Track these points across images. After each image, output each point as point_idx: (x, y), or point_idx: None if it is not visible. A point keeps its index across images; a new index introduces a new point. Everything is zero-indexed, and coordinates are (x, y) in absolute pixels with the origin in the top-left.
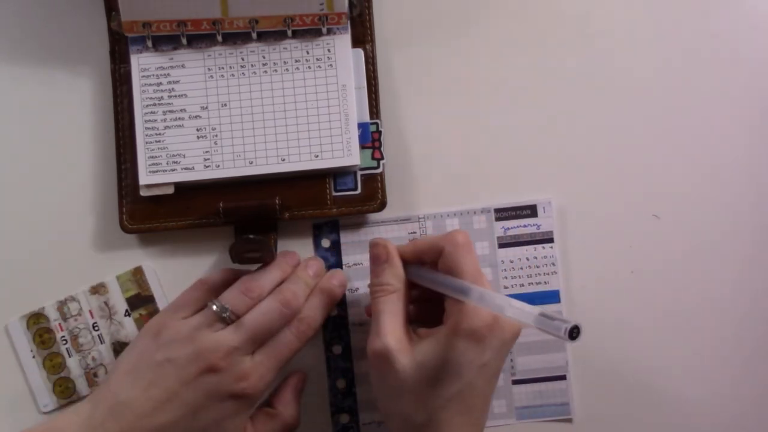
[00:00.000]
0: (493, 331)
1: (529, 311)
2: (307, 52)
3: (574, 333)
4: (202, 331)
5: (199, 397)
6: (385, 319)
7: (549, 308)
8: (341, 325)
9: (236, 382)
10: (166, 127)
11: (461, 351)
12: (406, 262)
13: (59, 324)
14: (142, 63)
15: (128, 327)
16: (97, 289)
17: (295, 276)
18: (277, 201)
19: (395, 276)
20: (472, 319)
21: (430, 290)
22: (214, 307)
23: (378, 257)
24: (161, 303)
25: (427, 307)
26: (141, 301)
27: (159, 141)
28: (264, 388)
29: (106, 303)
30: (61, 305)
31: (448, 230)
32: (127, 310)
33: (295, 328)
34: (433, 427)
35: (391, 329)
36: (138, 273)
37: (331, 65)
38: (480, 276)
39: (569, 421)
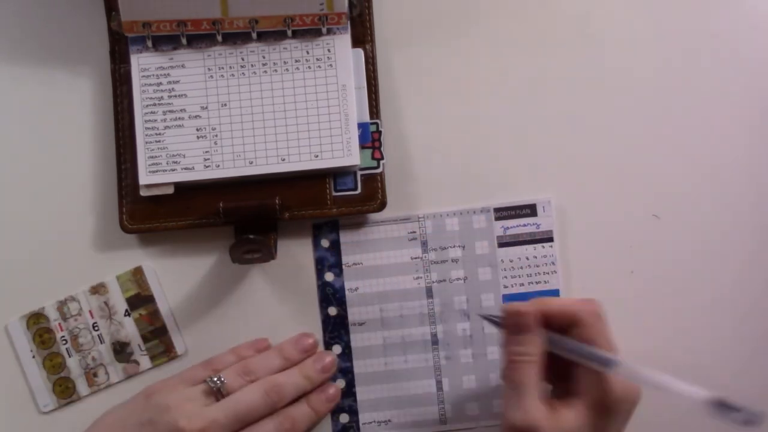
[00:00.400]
0: (626, 402)
1: (697, 396)
2: (307, 52)
3: (755, 420)
4: (191, 401)
5: None
6: (527, 391)
7: None
8: (341, 325)
9: None
10: (166, 127)
11: (599, 424)
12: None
13: (59, 324)
14: (142, 63)
15: (128, 327)
16: (97, 289)
17: (292, 372)
18: (277, 201)
19: (536, 346)
20: (611, 393)
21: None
22: (210, 383)
23: (526, 326)
24: (161, 303)
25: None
26: (141, 301)
27: (159, 141)
28: None
29: (106, 303)
30: (61, 305)
31: (447, 230)
32: (127, 310)
33: (280, 425)
34: None
35: (533, 402)
36: (138, 273)
37: (331, 65)
38: (615, 349)
39: None
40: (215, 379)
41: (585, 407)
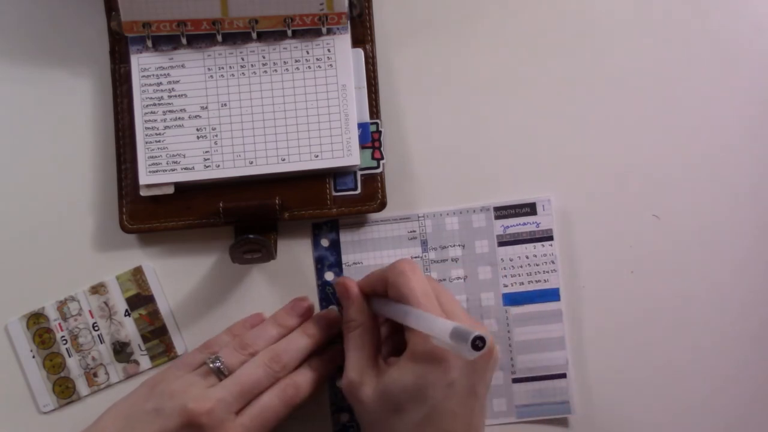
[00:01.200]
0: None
1: (445, 327)
2: (307, 52)
3: (478, 342)
4: (195, 385)
5: None
6: (349, 354)
7: (548, 306)
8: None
9: (217, 429)
10: (166, 127)
11: (421, 374)
12: (370, 296)
13: (59, 324)
14: (142, 63)
15: (128, 327)
16: (97, 289)
17: (292, 335)
18: (277, 201)
19: (357, 311)
20: (425, 341)
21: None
22: (210, 363)
23: (340, 295)
24: (161, 303)
25: (401, 337)
26: (141, 301)
27: (159, 141)
28: None
29: (105, 303)
30: (61, 305)
31: (448, 229)
32: (127, 310)
33: (282, 392)
34: None
35: (353, 364)
36: (138, 273)
37: (331, 65)
38: (428, 297)
39: (570, 419)
40: (213, 359)
41: (405, 359)
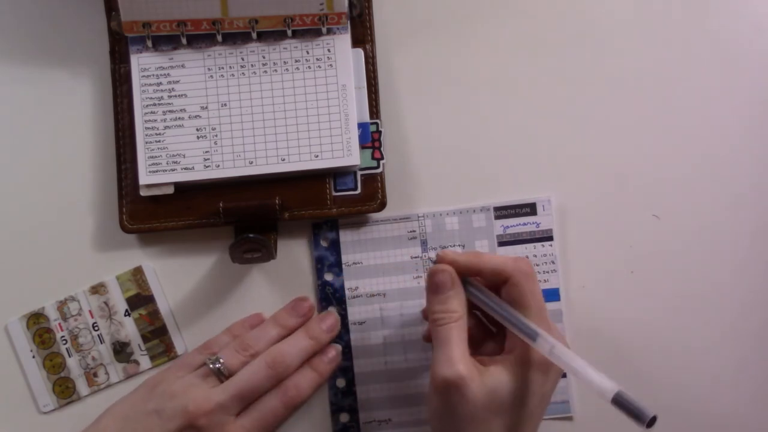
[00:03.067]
0: (555, 364)
1: (606, 388)
2: (307, 52)
3: (651, 423)
4: (195, 386)
5: None
6: (453, 347)
7: (549, 306)
8: (341, 325)
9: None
10: (166, 127)
11: (527, 380)
12: (462, 276)
13: (59, 324)
14: (142, 63)
15: (128, 327)
16: (97, 289)
17: (294, 337)
18: (277, 201)
19: (460, 302)
20: (530, 347)
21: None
22: (210, 365)
23: (443, 285)
24: (161, 302)
25: (471, 323)
26: (141, 301)
27: (159, 141)
28: None
29: (105, 303)
30: (61, 305)
31: (447, 229)
32: (127, 310)
33: (282, 395)
34: None
35: (461, 357)
36: (138, 273)
37: (331, 65)
38: (544, 313)
39: (570, 419)
40: (214, 360)
41: (513, 363)
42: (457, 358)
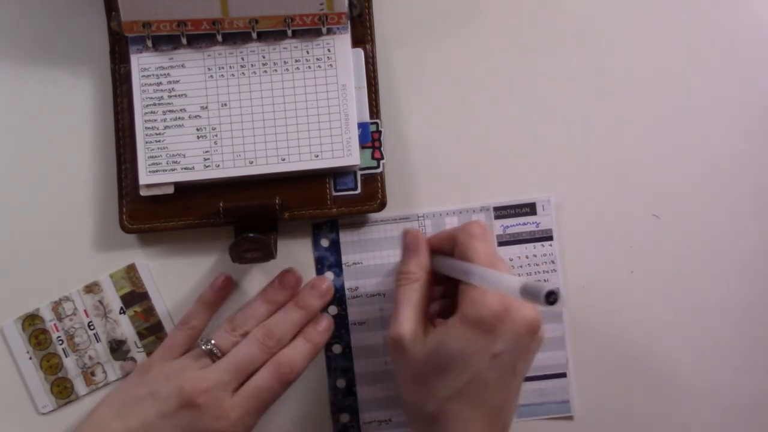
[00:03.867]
0: (503, 322)
1: (513, 284)
2: (307, 52)
3: (551, 298)
4: (188, 367)
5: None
6: (403, 308)
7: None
8: (341, 325)
9: (214, 420)
10: (166, 127)
11: (469, 340)
12: (434, 252)
13: (54, 324)
14: (142, 63)
15: (123, 325)
16: (91, 288)
17: (284, 310)
18: (277, 201)
19: (419, 265)
20: (478, 308)
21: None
22: (202, 345)
23: (407, 246)
24: (155, 299)
25: (450, 303)
26: (135, 298)
27: (159, 141)
28: (240, 428)
29: (100, 301)
30: (56, 305)
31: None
32: (122, 308)
33: (277, 371)
34: (443, 418)
35: (406, 318)
36: (131, 270)
37: (331, 65)
38: (496, 262)
39: (570, 418)
40: (205, 341)
41: (455, 322)
42: (402, 318)
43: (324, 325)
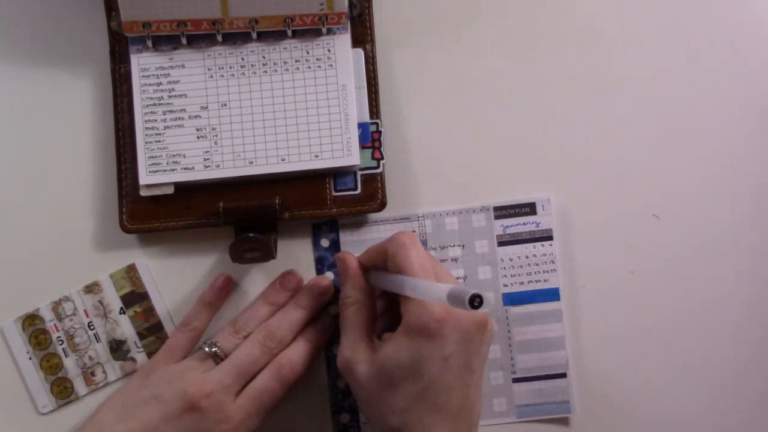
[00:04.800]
0: (447, 324)
1: (440, 290)
2: (307, 52)
3: (476, 302)
4: (192, 369)
5: None
6: (345, 332)
7: (548, 306)
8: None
9: (218, 423)
10: (166, 127)
11: (415, 349)
12: (368, 270)
13: (54, 324)
14: (142, 63)
15: (124, 325)
16: (91, 288)
17: (284, 310)
18: (277, 201)
19: (354, 288)
20: (420, 315)
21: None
22: (206, 348)
23: (339, 270)
24: (156, 299)
25: (398, 312)
26: (135, 298)
27: (159, 141)
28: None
29: (100, 302)
30: (56, 306)
31: (447, 229)
32: (122, 308)
33: (278, 374)
34: (406, 429)
35: (349, 341)
36: (131, 270)
37: (331, 65)
38: (425, 270)
39: (570, 418)
40: (210, 344)
41: (400, 334)
42: (345, 342)
43: (324, 325)
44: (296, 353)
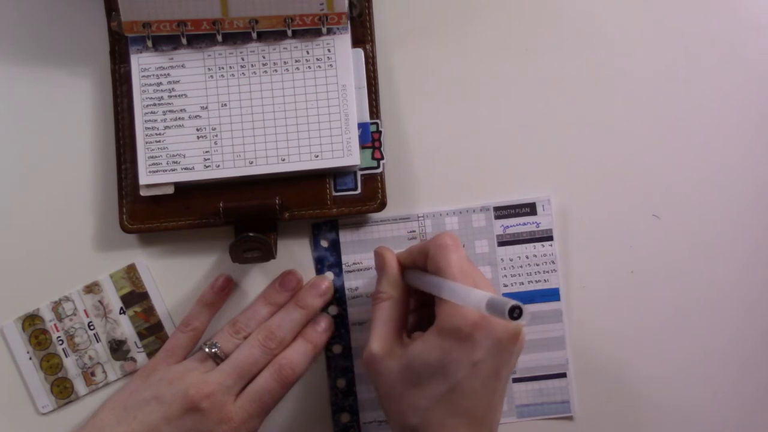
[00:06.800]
0: (481, 330)
1: (479, 298)
2: (307, 52)
3: (515, 313)
4: (192, 371)
5: None
6: (375, 326)
7: (548, 306)
8: (341, 325)
9: (218, 424)
10: (166, 127)
11: (446, 350)
12: (406, 268)
13: (54, 324)
14: (142, 63)
15: (124, 325)
16: (91, 288)
17: (284, 310)
18: (277, 201)
19: (390, 284)
20: (454, 318)
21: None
22: (206, 348)
23: (377, 265)
24: (156, 299)
25: (430, 312)
26: (135, 298)
27: (159, 141)
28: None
29: (100, 302)
30: (56, 306)
31: (447, 229)
32: (121, 308)
33: (278, 374)
34: (425, 429)
35: (378, 336)
36: (131, 270)
37: (331, 65)
38: (465, 274)
39: (570, 418)
40: (210, 345)
41: (431, 334)
42: (375, 336)
43: (324, 326)
44: (296, 353)
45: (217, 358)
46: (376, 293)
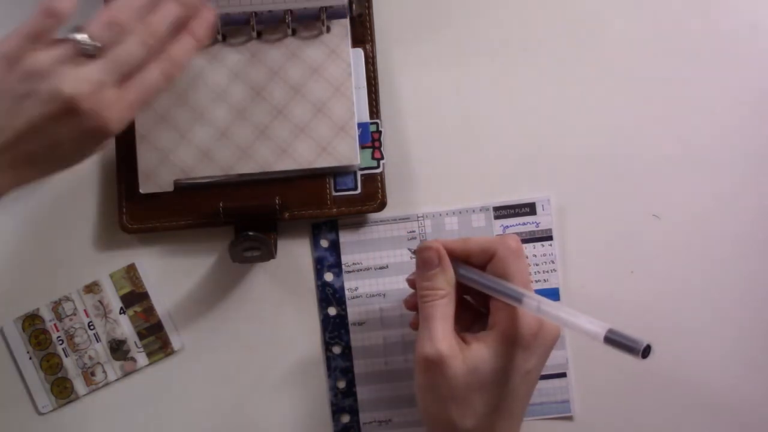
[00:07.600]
0: (538, 339)
1: (596, 330)
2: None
3: (646, 353)
4: (65, 65)
5: (63, 133)
6: (437, 324)
7: None
8: (341, 325)
9: (99, 113)
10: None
11: (507, 357)
12: (454, 261)
13: (54, 324)
14: None
15: (124, 324)
16: (91, 288)
17: (162, 6)
18: (277, 201)
19: (447, 280)
20: (522, 327)
21: (469, 290)
22: (78, 37)
23: (430, 261)
24: (156, 299)
25: (462, 308)
26: (135, 298)
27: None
28: (123, 124)
29: (100, 301)
30: (56, 305)
31: (447, 229)
32: (121, 308)
33: (168, 69)
34: None
35: (443, 335)
36: (131, 270)
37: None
38: (529, 284)
39: (570, 418)
40: (85, 38)
41: (494, 340)
42: (438, 336)
43: (207, 18)
44: (181, 50)
45: (92, 53)
46: (432, 289)
